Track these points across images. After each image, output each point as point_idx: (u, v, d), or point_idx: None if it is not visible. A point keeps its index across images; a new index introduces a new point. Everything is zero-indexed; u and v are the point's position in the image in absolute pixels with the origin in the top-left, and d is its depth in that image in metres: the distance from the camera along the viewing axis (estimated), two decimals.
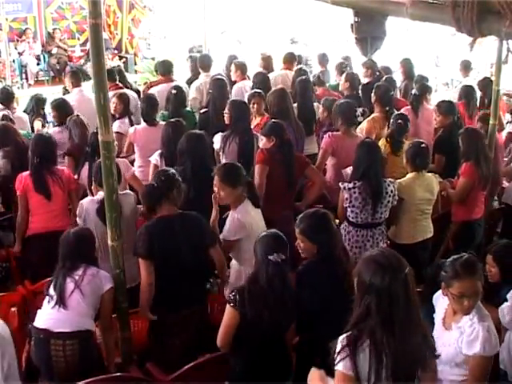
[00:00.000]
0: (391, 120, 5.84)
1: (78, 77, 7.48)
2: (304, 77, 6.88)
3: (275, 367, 3.34)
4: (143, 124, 6.03)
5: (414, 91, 6.91)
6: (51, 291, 3.60)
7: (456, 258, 3.08)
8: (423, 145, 4.95)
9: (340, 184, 4.67)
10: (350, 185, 4.56)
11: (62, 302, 3.54)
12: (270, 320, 3.18)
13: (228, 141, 5.42)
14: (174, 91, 6.52)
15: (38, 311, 3.66)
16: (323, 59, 8.89)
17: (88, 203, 4.41)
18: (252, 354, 3.30)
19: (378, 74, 7.58)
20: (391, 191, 4.62)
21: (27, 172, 4.93)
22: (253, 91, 6.31)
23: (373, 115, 6.30)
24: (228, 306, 3.24)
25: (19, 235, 4.96)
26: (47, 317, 3.58)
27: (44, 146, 5.01)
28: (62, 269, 3.63)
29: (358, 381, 2.38)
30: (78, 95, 7.11)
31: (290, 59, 8.26)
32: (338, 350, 2.41)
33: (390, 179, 4.74)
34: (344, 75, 7.38)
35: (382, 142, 5.68)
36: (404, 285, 2.38)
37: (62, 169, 5.12)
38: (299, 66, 7.92)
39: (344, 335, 2.43)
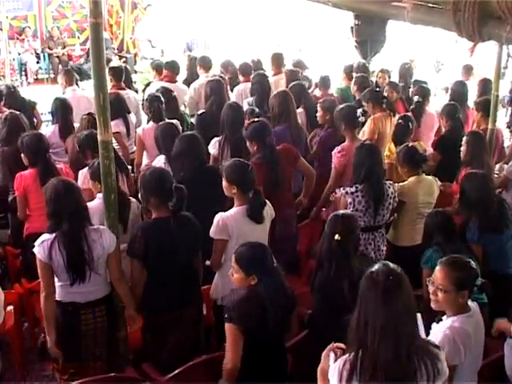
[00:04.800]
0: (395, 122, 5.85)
1: (72, 76, 7.55)
2: (298, 81, 6.75)
3: (274, 368, 3.33)
4: (152, 123, 5.96)
5: (416, 98, 6.83)
6: (61, 263, 3.49)
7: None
8: (410, 144, 4.97)
9: (342, 189, 4.59)
10: (352, 189, 4.50)
11: (82, 281, 3.54)
12: (271, 327, 3.17)
13: (224, 146, 5.39)
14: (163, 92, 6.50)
15: (57, 284, 3.59)
16: (299, 65, 8.50)
17: (90, 208, 4.19)
18: (252, 356, 3.26)
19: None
20: (391, 193, 4.60)
21: (27, 171, 4.83)
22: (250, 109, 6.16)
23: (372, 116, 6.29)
24: (229, 324, 3.17)
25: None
26: (71, 292, 3.58)
27: (45, 144, 4.97)
28: (65, 236, 3.48)
29: None
30: (72, 94, 7.16)
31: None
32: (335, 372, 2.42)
33: (389, 181, 4.73)
34: (354, 78, 7.27)
35: (391, 148, 5.68)
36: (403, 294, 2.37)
37: (60, 167, 5.08)
38: (290, 69, 7.82)
39: (344, 360, 2.42)
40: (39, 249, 3.49)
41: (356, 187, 4.51)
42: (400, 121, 5.75)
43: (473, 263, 3.11)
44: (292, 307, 3.39)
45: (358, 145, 4.85)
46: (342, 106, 5.66)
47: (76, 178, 4.73)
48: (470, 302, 3.12)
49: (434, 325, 3.11)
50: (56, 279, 3.58)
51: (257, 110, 6.02)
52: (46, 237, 3.51)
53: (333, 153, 5.31)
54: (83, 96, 7.27)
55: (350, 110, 5.54)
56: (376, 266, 2.46)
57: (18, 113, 5.96)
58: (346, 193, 4.52)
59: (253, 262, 3.25)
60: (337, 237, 3.50)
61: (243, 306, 3.18)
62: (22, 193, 4.80)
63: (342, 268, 3.48)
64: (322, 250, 3.60)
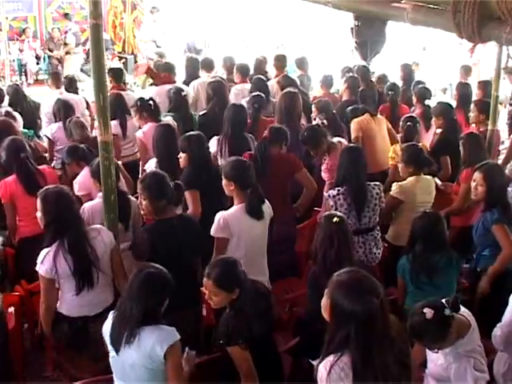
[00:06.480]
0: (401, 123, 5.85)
1: (58, 79, 7.64)
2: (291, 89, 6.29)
3: (265, 369, 3.29)
4: (150, 124, 5.90)
5: (426, 102, 6.77)
6: (67, 271, 3.48)
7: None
8: (419, 146, 4.94)
9: (324, 192, 4.62)
10: (334, 192, 4.48)
11: (90, 285, 3.56)
12: (260, 330, 3.16)
13: (223, 144, 5.39)
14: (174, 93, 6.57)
15: (62, 297, 3.60)
16: (303, 64, 8.51)
17: (91, 207, 4.28)
18: None
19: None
20: (377, 194, 4.55)
21: (11, 177, 4.77)
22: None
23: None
24: (233, 348, 3.11)
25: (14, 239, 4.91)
26: (79, 305, 3.59)
27: (25, 147, 4.95)
28: (69, 241, 3.48)
29: None
30: (60, 96, 7.15)
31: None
32: (320, 377, 2.41)
33: (374, 182, 4.65)
34: (344, 79, 7.28)
35: (396, 149, 5.64)
36: (381, 307, 2.39)
37: (43, 168, 5.03)
38: (282, 74, 7.65)
39: (326, 363, 2.41)
40: (42, 266, 3.48)
41: (338, 190, 4.48)
42: (409, 123, 5.73)
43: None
44: (270, 301, 3.36)
45: (343, 148, 4.85)
46: (301, 133, 5.46)
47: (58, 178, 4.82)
48: (466, 312, 3.10)
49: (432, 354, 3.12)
50: (61, 292, 3.58)
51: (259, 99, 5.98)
52: (47, 251, 3.49)
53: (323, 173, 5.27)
54: (71, 99, 7.26)
55: (309, 132, 5.37)
56: (350, 275, 2.48)
57: (14, 114, 6.00)
58: (329, 196, 4.51)
59: (232, 277, 3.17)
60: (335, 219, 3.58)
61: (236, 324, 3.12)
62: (8, 200, 4.76)
63: (344, 251, 3.53)
64: (318, 241, 3.63)
